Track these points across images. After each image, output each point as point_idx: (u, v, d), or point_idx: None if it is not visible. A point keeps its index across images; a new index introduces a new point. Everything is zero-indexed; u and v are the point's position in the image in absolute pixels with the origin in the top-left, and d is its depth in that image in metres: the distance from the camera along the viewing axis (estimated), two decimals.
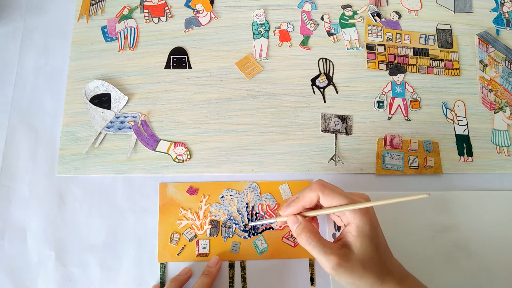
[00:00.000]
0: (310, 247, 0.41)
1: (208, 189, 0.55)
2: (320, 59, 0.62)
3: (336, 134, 0.58)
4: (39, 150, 0.57)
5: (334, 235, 0.53)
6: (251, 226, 0.54)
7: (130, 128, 0.58)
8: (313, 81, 0.60)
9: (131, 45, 0.62)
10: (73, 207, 0.55)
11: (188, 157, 0.56)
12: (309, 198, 0.42)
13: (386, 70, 0.61)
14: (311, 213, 0.44)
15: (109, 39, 0.62)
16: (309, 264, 0.53)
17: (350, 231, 0.41)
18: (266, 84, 0.60)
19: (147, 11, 0.64)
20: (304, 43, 0.62)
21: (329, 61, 0.61)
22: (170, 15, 0.64)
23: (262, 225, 0.54)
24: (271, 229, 0.54)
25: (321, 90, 0.60)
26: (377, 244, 0.41)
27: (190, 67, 0.61)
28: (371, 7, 0.65)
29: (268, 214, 0.54)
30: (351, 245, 0.40)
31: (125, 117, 0.58)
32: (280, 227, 0.54)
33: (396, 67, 0.61)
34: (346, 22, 0.64)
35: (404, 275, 0.42)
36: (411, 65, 0.62)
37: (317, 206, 0.44)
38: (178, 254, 0.53)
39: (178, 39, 0.62)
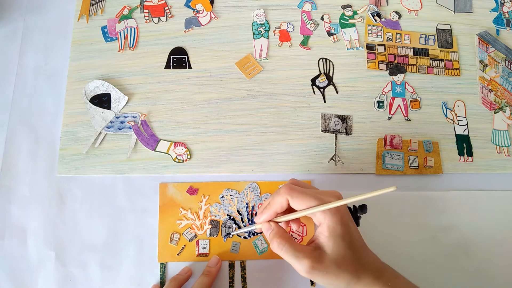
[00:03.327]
0: (282, 253, 0.41)
1: (208, 189, 0.55)
2: (320, 59, 0.62)
3: (336, 134, 0.58)
4: (39, 150, 0.57)
5: None
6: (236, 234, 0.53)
7: (130, 128, 0.58)
8: (313, 81, 0.60)
9: (131, 45, 0.62)
10: (73, 207, 0.55)
11: (188, 157, 0.56)
12: (279, 203, 0.42)
13: (386, 70, 0.61)
14: (282, 218, 0.44)
15: (109, 39, 0.62)
16: None
17: (322, 232, 0.40)
18: (266, 84, 0.60)
19: (147, 11, 0.64)
20: (304, 43, 0.62)
21: (329, 61, 0.61)
22: (170, 15, 0.64)
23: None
24: None
25: (321, 90, 0.60)
26: (350, 241, 0.40)
27: (190, 67, 0.61)
28: (371, 7, 0.65)
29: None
30: (323, 246, 0.40)
31: (125, 117, 0.58)
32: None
33: (396, 67, 0.61)
34: (346, 22, 0.64)
35: (381, 268, 0.41)
36: (411, 65, 0.62)
37: (292, 208, 0.44)
38: (178, 254, 0.53)
39: (178, 39, 0.62)
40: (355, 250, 0.40)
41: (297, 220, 0.46)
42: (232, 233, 0.53)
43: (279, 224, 0.44)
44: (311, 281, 0.52)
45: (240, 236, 0.53)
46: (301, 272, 0.39)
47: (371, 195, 0.38)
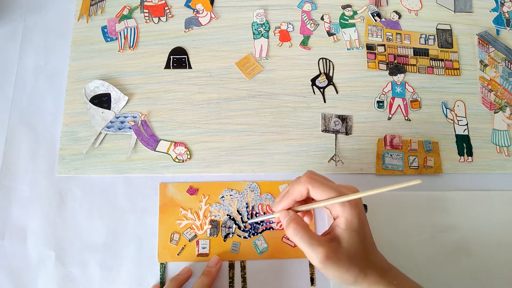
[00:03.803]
0: (297, 239, 0.40)
1: (208, 189, 0.55)
2: (320, 59, 0.62)
3: (336, 134, 0.58)
4: (39, 150, 0.57)
5: None
6: (250, 225, 0.54)
7: (130, 128, 0.58)
8: (313, 81, 0.60)
9: (131, 45, 0.62)
10: (73, 207, 0.55)
11: (188, 157, 0.56)
12: (299, 191, 0.42)
13: (386, 70, 0.61)
14: (302, 208, 0.43)
15: (109, 39, 0.62)
16: (309, 264, 0.53)
17: (339, 224, 0.41)
18: (266, 84, 0.60)
19: (147, 11, 0.64)
20: (304, 43, 0.62)
21: (329, 61, 0.61)
22: (170, 15, 0.64)
23: (262, 221, 0.53)
24: (271, 229, 0.54)
25: (321, 90, 0.60)
26: (364, 237, 0.41)
27: (190, 67, 0.61)
28: (371, 7, 0.65)
29: (267, 213, 0.54)
30: (339, 238, 0.40)
31: (125, 117, 0.58)
32: (277, 224, 0.54)
33: (396, 67, 0.61)
34: (346, 22, 0.64)
35: (387, 268, 0.42)
36: (411, 65, 0.62)
37: (309, 198, 0.44)
38: (178, 254, 0.53)
39: (178, 39, 0.62)
40: (366, 247, 0.41)
41: (309, 213, 0.46)
42: (248, 221, 0.53)
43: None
44: (311, 281, 0.52)
45: (240, 236, 0.53)
46: (314, 261, 0.39)
47: (395, 187, 0.37)
